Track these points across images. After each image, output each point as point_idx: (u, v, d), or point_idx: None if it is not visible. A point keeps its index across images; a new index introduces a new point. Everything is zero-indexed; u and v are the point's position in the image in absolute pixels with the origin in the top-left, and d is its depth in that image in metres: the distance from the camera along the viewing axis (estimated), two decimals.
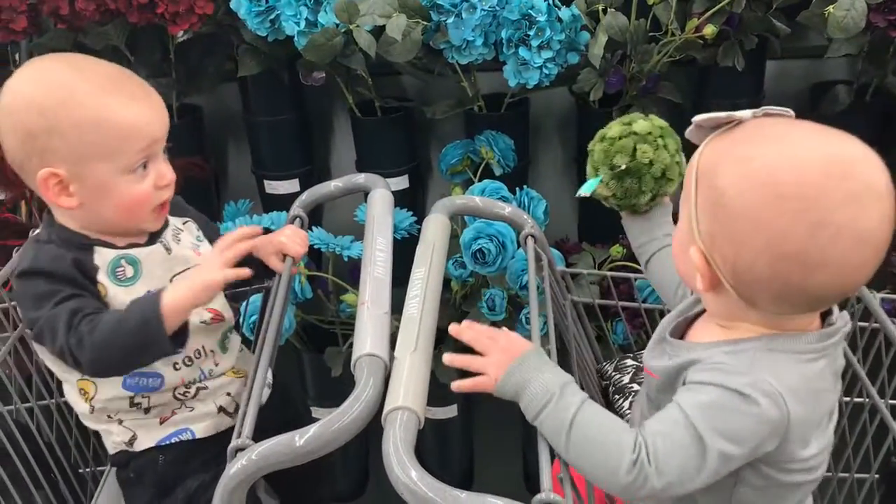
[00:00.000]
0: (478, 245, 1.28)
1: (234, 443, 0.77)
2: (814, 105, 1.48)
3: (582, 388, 0.75)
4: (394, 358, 0.77)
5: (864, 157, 0.67)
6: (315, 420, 0.74)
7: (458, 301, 1.45)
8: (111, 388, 0.93)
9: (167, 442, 0.97)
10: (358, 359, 0.78)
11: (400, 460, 0.65)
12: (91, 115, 0.85)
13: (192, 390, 0.97)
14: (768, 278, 0.68)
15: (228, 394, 1.00)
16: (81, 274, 0.88)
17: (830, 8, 1.22)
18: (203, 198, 1.60)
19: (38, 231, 0.94)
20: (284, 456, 0.73)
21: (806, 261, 0.66)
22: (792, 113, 0.72)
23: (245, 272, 0.90)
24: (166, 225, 0.98)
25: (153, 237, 0.96)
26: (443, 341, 1.49)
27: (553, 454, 0.75)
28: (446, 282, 1.42)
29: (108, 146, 0.86)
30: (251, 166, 1.60)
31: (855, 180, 0.66)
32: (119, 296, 0.90)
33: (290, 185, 1.55)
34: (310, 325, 1.52)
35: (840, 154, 0.67)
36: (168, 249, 0.96)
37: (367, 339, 0.80)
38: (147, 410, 0.96)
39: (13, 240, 1.31)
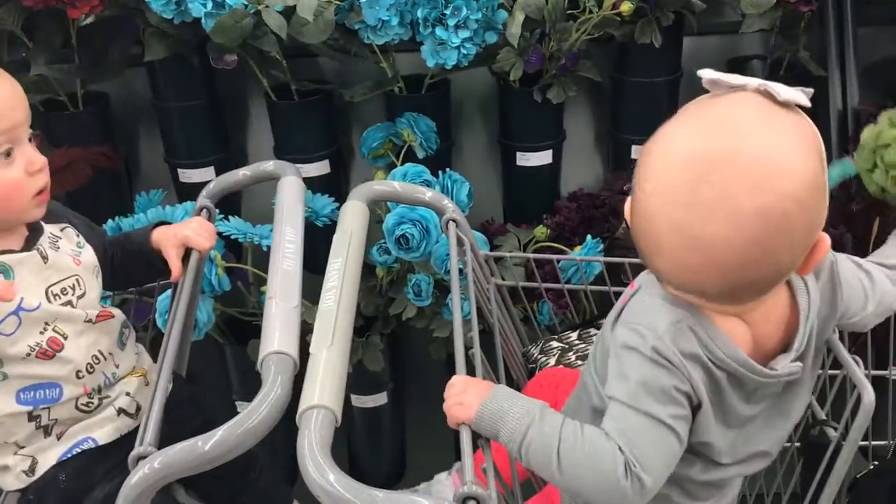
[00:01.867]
0: (401, 230, 1.26)
1: (135, 450, 0.73)
2: None
3: (508, 373, 0.74)
4: (309, 354, 0.74)
5: (744, 169, 0.63)
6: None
7: (383, 287, 1.43)
8: (2, 404, 0.88)
9: (68, 455, 0.91)
10: (265, 357, 0.75)
11: (315, 462, 0.62)
12: None
13: (96, 400, 0.92)
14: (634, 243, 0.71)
15: (128, 394, 0.96)
16: None
17: None
18: (114, 189, 1.53)
19: None
20: (189, 463, 0.69)
21: (648, 241, 0.69)
22: (800, 99, 0.67)
23: None
24: (41, 231, 0.92)
25: (29, 243, 0.90)
26: (370, 329, 1.48)
27: (476, 445, 0.73)
28: (371, 268, 1.39)
29: None
30: (164, 155, 1.53)
31: (712, 187, 0.63)
32: None
33: (206, 174, 1.49)
34: (231, 318, 1.47)
35: (719, 155, 0.64)
36: (45, 257, 0.90)
37: (275, 335, 0.78)
38: (48, 430, 0.90)
39: None
